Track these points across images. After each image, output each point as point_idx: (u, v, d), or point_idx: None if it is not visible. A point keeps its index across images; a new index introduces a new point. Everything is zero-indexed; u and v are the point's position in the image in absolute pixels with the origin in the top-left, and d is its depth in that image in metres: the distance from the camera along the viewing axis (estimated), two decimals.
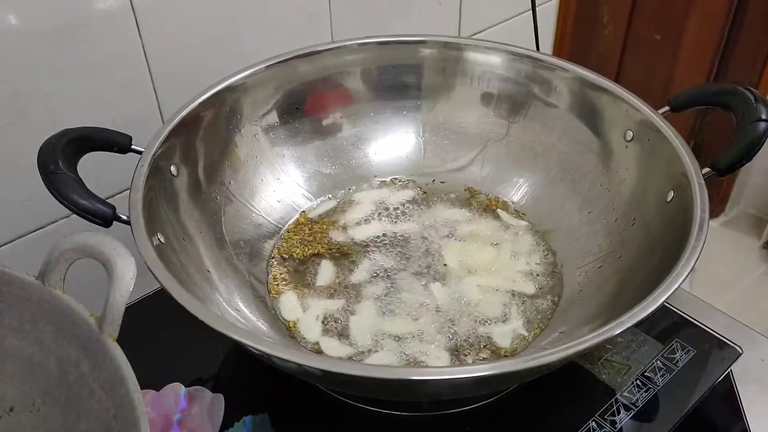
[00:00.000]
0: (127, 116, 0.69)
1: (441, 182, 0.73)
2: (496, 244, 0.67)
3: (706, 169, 0.55)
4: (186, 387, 0.55)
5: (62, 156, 0.51)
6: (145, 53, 0.68)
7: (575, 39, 1.29)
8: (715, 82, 1.36)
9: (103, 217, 0.50)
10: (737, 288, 1.49)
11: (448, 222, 0.69)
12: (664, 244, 0.54)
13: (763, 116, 0.54)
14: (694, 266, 0.47)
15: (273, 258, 0.65)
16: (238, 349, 0.56)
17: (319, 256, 0.66)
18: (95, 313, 0.44)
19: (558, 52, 1.24)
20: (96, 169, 0.68)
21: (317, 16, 0.80)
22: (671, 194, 0.56)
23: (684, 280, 0.46)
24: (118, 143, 0.57)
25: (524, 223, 0.69)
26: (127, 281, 0.43)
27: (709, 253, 1.59)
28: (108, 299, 0.43)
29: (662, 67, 1.34)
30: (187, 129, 0.60)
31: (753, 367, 0.64)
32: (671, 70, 1.33)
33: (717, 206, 1.58)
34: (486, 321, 0.60)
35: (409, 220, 0.69)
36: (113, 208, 0.51)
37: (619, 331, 0.43)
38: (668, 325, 0.63)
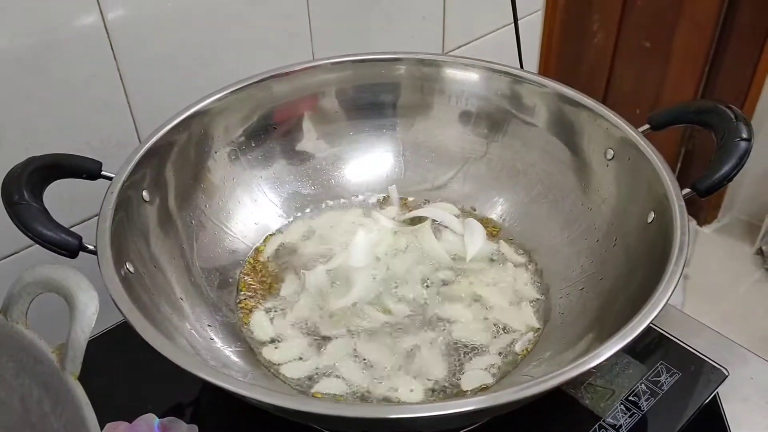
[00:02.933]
0: (103, 138, 0.68)
1: (424, 201, 0.72)
2: (483, 268, 0.65)
3: (687, 190, 0.53)
4: (160, 417, 0.54)
5: (27, 186, 0.50)
6: (120, 74, 0.67)
7: (564, 49, 1.28)
8: (705, 89, 1.36)
9: (69, 248, 0.49)
10: (731, 295, 1.48)
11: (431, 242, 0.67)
12: (645, 267, 0.52)
13: (744, 135, 0.53)
14: (674, 291, 0.46)
15: (242, 277, 0.64)
16: None
17: (288, 278, 0.64)
18: (58, 349, 0.43)
19: (545, 62, 1.23)
20: (69, 194, 0.67)
21: (298, 35, 0.79)
22: (652, 215, 0.55)
23: (664, 306, 0.45)
24: (87, 169, 0.56)
25: (515, 248, 0.67)
26: (88, 317, 0.42)
27: (703, 259, 1.58)
28: (69, 336, 0.42)
29: (653, 74, 1.33)
30: (159, 154, 0.59)
31: (741, 385, 0.63)
32: (661, 78, 1.33)
33: (710, 213, 1.57)
34: (468, 352, 0.58)
35: (389, 240, 0.68)
36: (79, 238, 0.50)
37: (596, 363, 0.42)
38: (653, 347, 0.62)
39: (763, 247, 1.53)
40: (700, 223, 1.58)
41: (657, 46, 1.30)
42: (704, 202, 1.54)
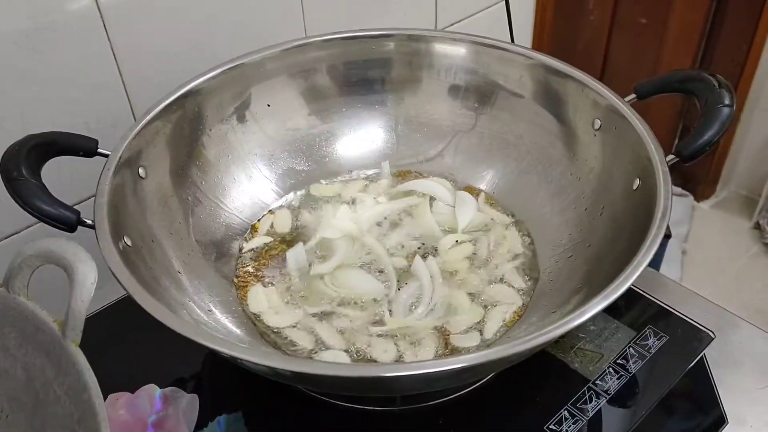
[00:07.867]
0: (100, 119, 0.70)
1: (415, 174, 0.73)
2: (474, 240, 0.66)
3: (671, 157, 0.54)
4: (162, 388, 0.55)
5: (25, 162, 0.51)
6: (114, 55, 0.68)
7: (559, 26, 1.29)
8: (701, 64, 1.36)
9: (67, 222, 0.50)
10: (728, 269, 1.49)
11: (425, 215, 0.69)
12: (630, 232, 0.53)
13: (726, 101, 0.54)
14: (654, 255, 0.47)
15: (239, 251, 0.65)
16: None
17: (281, 252, 0.66)
18: (59, 319, 0.44)
19: (538, 40, 1.23)
20: (69, 174, 0.68)
21: (290, 14, 0.79)
22: (637, 182, 0.56)
23: (644, 268, 0.46)
24: (84, 147, 0.57)
25: (506, 218, 0.68)
26: (88, 287, 0.43)
27: (701, 234, 1.58)
28: (69, 305, 0.43)
29: (649, 50, 1.34)
30: (154, 132, 0.60)
31: (731, 350, 0.64)
32: (658, 54, 1.33)
33: (708, 187, 1.58)
34: (465, 327, 0.59)
35: (381, 213, 0.69)
36: (77, 213, 0.51)
37: (579, 322, 0.43)
38: (641, 312, 0.63)
39: (761, 221, 1.53)
40: (698, 199, 1.58)
41: (653, 22, 1.30)
42: (702, 177, 1.55)
